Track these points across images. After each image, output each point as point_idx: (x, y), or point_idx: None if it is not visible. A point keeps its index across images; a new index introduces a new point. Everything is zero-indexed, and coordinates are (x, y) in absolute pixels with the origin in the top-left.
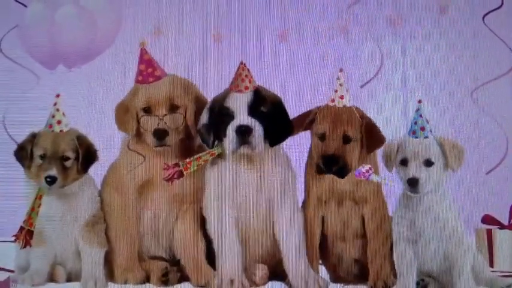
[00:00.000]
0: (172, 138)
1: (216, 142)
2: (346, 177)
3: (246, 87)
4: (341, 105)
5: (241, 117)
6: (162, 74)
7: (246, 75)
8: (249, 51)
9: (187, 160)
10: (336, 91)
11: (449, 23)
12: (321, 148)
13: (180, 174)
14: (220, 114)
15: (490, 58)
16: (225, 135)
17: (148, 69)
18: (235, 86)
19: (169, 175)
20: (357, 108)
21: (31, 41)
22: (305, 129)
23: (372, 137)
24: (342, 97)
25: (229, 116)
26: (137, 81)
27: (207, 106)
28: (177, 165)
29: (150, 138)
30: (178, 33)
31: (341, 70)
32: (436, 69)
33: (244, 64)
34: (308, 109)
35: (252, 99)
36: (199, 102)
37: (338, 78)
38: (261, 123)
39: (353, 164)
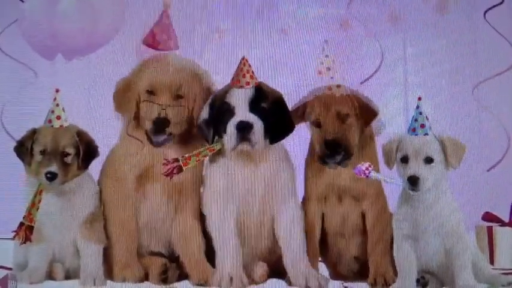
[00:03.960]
0: (172, 130)
1: (216, 138)
2: (346, 168)
3: (247, 83)
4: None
5: (242, 113)
6: (174, 46)
7: (248, 71)
8: (248, 47)
9: (186, 155)
10: (321, 63)
11: (450, 19)
12: (320, 135)
13: (180, 170)
14: (221, 109)
15: (491, 55)
16: (225, 131)
17: (162, 35)
18: (236, 81)
19: (168, 170)
20: (342, 87)
21: (30, 32)
22: (300, 122)
23: (365, 108)
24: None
25: (229, 111)
26: (146, 44)
27: (208, 101)
28: (176, 160)
29: (148, 127)
30: (180, 29)
31: (326, 41)
32: (437, 66)
33: (246, 59)
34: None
35: (253, 95)
36: (208, 94)
37: (323, 49)
38: (261, 120)
39: (355, 142)
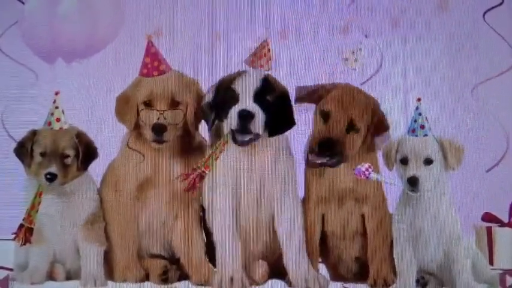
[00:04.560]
0: (170, 134)
1: (216, 122)
2: (346, 170)
3: (261, 66)
4: (351, 68)
5: (246, 101)
6: (166, 68)
7: (265, 54)
8: (248, 49)
9: (204, 159)
10: (352, 53)
11: (449, 20)
12: (321, 129)
13: (202, 177)
14: (226, 95)
15: (490, 55)
16: (226, 117)
17: (153, 63)
18: (251, 61)
19: (190, 183)
20: (374, 100)
21: (30, 34)
22: (310, 102)
23: (377, 124)
24: (356, 60)
25: (234, 98)
26: (141, 74)
27: (214, 84)
28: (194, 169)
29: (148, 133)
30: (179, 31)
31: (367, 36)
32: (436, 67)
33: (268, 42)
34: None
35: (260, 86)
36: (200, 100)
37: (360, 42)
38: (264, 112)
39: (350, 155)
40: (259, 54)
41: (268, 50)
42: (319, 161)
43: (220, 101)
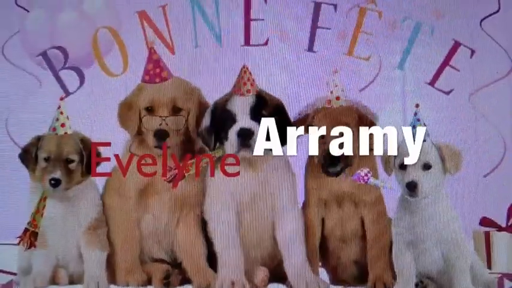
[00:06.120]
0: (172, 140)
1: (217, 145)
2: (342, 176)
3: (248, 91)
4: (337, 106)
5: (243, 120)
6: (168, 75)
7: (248, 79)
8: (247, 55)
9: (188, 162)
10: (331, 92)
11: (446, 27)
12: (321, 146)
13: (181, 176)
14: (222, 117)
15: (487, 62)
16: (226, 138)
17: (155, 70)
18: (237, 89)
19: (170, 176)
20: (353, 107)
21: (32, 45)
22: (305, 133)
23: (363, 120)
24: (337, 98)
25: (231, 119)
26: (144, 81)
27: (209, 109)
28: (178, 166)
29: (150, 138)
30: (180, 38)
31: (336, 71)
32: (434, 73)
33: (247, 67)
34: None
35: (254, 102)
36: (201, 107)
37: (333, 80)
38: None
39: (356, 159)
40: (243, 81)
41: (250, 74)
42: (336, 170)
43: (218, 124)
